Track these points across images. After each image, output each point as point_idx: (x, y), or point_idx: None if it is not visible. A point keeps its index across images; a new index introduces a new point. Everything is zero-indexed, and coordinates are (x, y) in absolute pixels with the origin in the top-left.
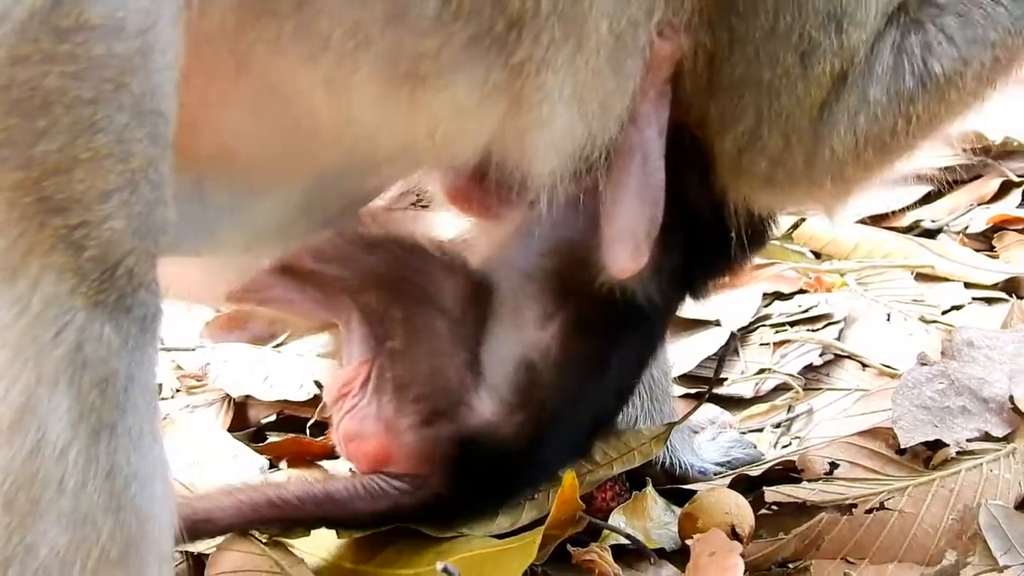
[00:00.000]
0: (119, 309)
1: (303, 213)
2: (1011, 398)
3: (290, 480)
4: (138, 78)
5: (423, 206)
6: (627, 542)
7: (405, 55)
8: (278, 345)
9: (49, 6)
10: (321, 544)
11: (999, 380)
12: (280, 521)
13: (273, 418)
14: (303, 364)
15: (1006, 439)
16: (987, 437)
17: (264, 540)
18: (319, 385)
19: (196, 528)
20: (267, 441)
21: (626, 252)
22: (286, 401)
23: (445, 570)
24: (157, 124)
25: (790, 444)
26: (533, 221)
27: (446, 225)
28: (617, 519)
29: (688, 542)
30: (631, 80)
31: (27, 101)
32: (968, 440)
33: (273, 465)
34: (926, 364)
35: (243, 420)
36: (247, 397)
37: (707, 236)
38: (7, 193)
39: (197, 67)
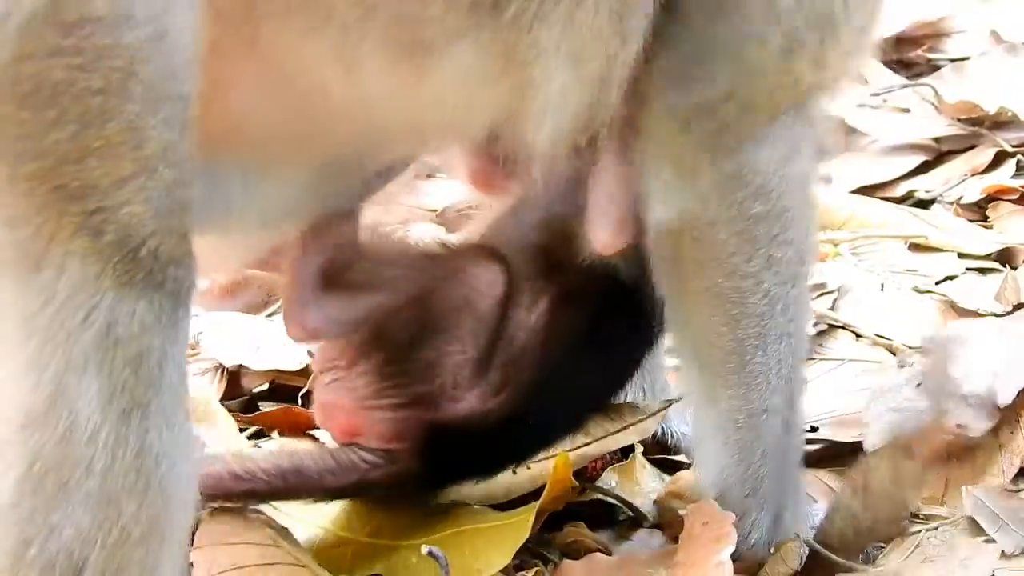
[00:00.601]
0: (150, 285)
1: (317, 192)
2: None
3: (260, 453)
4: (150, 65)
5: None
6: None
7: (410, 22)
8: (271, 314)
9: (52, 2)
10: (313, 512)
11: (980, 375)
12: (246, 494)
13: (265, 387)
14: None
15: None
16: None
17: (254, 509)
18: (311, 355)
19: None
20: (258, 412)
21: (609, 226)
22: (278, 370)
23: (431, 553)
24: (173, 108)
25: None
26: (530, 194)
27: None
28: (608, 482)
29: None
30: (635, 46)
31: (36, 94)
32: None
33: (265, 435)
34: (904, 366)
35: (236, 389)
36: (239, 366)
37: None
38: (25, 184)
39: (210, 46)
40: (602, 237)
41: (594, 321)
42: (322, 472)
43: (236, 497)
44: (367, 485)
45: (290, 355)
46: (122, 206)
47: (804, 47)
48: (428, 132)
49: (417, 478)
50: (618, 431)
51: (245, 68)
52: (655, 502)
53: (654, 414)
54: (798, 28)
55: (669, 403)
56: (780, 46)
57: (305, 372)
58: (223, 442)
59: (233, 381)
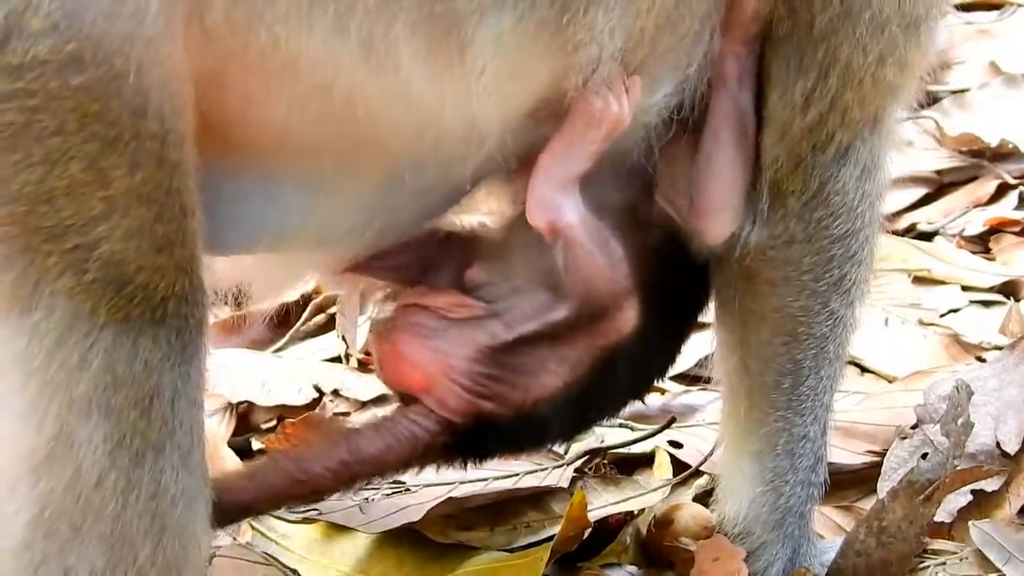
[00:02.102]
0: (150, 323)
1: (378, 210)
2: (998, 444)
3: (308, 449)
4: (109, 105)
5: None
6: None
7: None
8: (278, 350)
9: None
10: (319, 550)
11: (984, 426)
12: (312, 494)
13: (273, 423)
14: (302, 368)
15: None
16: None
17: (261, 551)
18: (318, 390)
19: (224, 514)
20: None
21: (724, 219)
22: (285, 406)
23: None
24: (142, 146)
25: None
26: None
27: None
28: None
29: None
30: (704, 33)
31: None
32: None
33: None
34: (906, 437)
35: (245, 426)
36: (246, 403)
37: None
38: (4, 228)
39: (226, 62)
40: (717, 228)
41: (653, 306)
42: (382, 450)
43: (302, 500)
44: (430, 455)
45: (296, 390)
46: (98, 244)
47: (896, 51)
48: (477, 120)
49: (465, 448)
50: (627, 499)
51: (272, 78)
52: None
53: (655, 490)
54: (895, 33)
55: (668, 483)
56: (880, 52)
57: (311, 406)
58: None
59: (241, 418)
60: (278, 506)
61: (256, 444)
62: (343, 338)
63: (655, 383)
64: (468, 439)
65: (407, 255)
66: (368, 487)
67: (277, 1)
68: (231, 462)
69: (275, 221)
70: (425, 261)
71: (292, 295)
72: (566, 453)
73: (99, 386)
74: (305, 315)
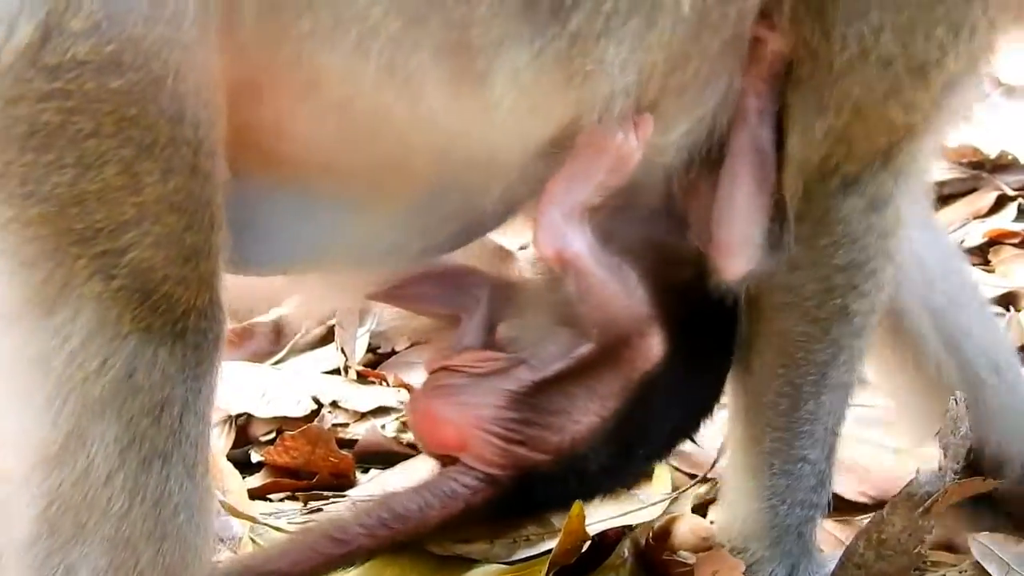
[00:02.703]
0: (171, 334)
1: (412, 235)
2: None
3: (347, 511)
4: (147, 110)
5: None
6: None
7: (457, 26)
8: (277, 362)
9: (37, 45)
10: None
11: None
12: (351, 555)
13: (272, 435)
14: (301, 380)
15: None
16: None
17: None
18: (317, 401)
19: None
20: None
21: (743, 255)
22: (284, 418)
23: None
24: (176, 153)
25: None
26: (615, 221)
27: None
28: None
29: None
30: (724, 69)
31: (32, 137)
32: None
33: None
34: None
35: (244, 437)
36: (245, 415)
37: None
38: (35, 228)
39: (255, 80)
40: (736, 265)
41: (690, 353)
42: (424, 508)
43: (342, 562)
44: (471, 511)
45: (295, 402)
46: (127, 250)
47: (901, 92)
48: (497, 149)
49: (514, 504)
50: (626, 513)
51: (297, 92)
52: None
53: (654, 504)
54: (900, 74)
55: (668, 497)
56: (884, 90)
57: (310, 418)
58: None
59: (240, 430)
60: (326, 569)
61: (255, 456)
62: (342, 350)
63: (705, 418)
64: (514, 493)
65: (434, 287)
66: None
67: (302, 18)
68: (230, 474)
69: (310, 239)
70: (454, 296)
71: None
72: None
73: (116, 391)
74: (304, 328)
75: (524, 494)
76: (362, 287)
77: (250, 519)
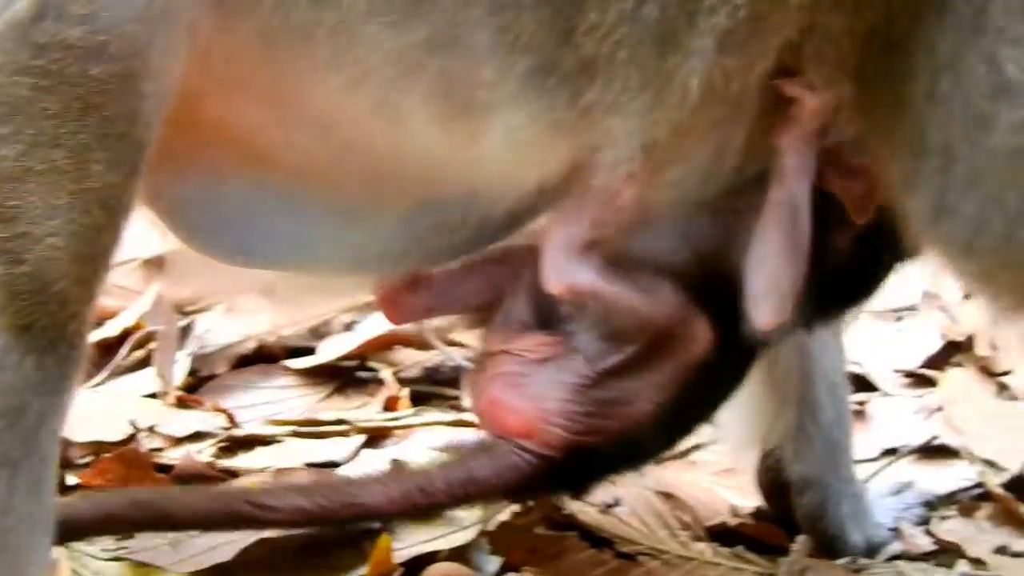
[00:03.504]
0: (44, 340)
1: (410, 243)
2: None
3: (433, 465)
4: (113, 102)
5: None
6: None
7: (458, 83)
8: (96, 385)
9: (29, 21)
10: None
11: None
12: (430, 507)
13: (89, 459)
14: (120, 404)
15: None
16: None
17: None
18: (134, 426)
19: (354, 514)
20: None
21: (771, 307)
22: (101, 442)
23: None
24: (125, 150)
25: None
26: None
27: None
28: None
29: None
30: (728, 135)
31: None
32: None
33: None
34: None
35: (62, 460)
36: (62, 438)
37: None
38: None
39: (237, 88)
40: (764, 316)
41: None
42: (491, 476)
43: (422, 511)
44: (529, 483)
45: (114, 426)
46: (47, 236)
47: None
48: (485, 194)
49: (567, 479)
50: (436, 538)
51: (278, 112)
52: None
53: (466, 528)
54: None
55: (481, 520)
56: None
57: (127, 441)
58: None
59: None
60: (405, 515)
61: (72, 479)
62: (160, 375)
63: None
64: (570, 472)
65: (472, 283)
66: None
67: (296, 49)
68: None
69: (301, 238)
70: (494, 288)
71: (111, 330)
72: None
73: None
74: (124, 351)
75: (579, 473)
76: (353, 291)
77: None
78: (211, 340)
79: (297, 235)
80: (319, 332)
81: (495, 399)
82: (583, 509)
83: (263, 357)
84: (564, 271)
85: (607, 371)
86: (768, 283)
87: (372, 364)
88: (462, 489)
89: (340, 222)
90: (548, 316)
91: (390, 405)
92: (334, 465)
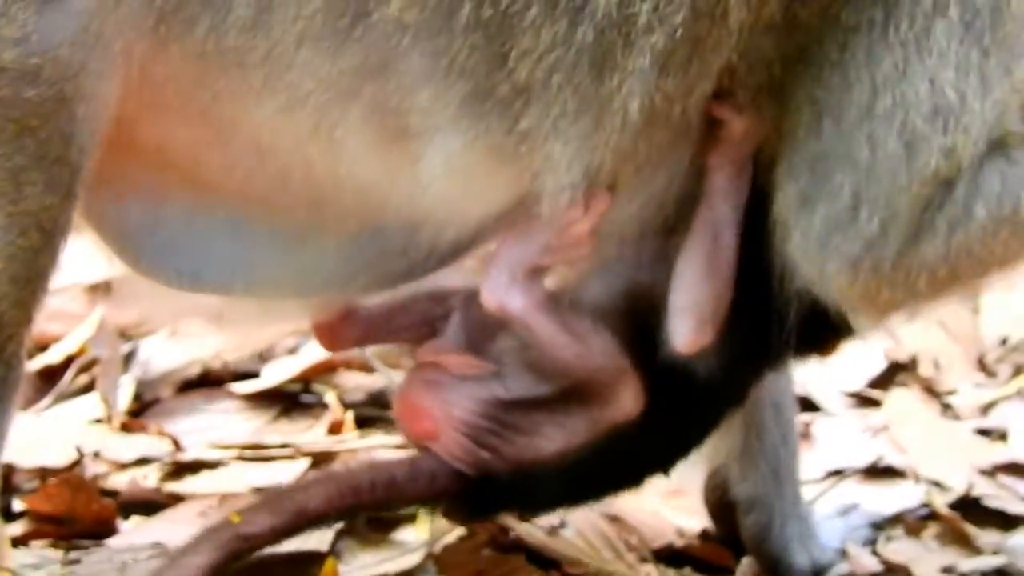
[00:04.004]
0: None
1: (355, 267)
2: None
3: (358, 468)
4: (48, 124)
5: None
6: None
7: (393, 109)
8: (41, 410)
9: None
10: None
11: None
12: (354, 508)
13: (36, 484)
14: (65, 429)
15: None
16: None
17: None
18: (79, 451)
19: (296, 521)
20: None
21: (690, 327)
22: (45, 468)
23: None
24: (60, 172)
25: None
26: (617, 262)
27: None
28: None
29: None
30: (673, 160)
31: None
32: None
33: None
34: None
35: (7, 486)
36: (7, 464)
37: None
38: None
39: (161, 108)
40: (683, 335)
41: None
42: (407, 482)
43: (346, 512)
44: (440, 496)
45: (60, 451)
46: None
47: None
48: (427, 218)
49: (469, 500)
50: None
51: (214, 135)
52: None
53: (413, 552)
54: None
55: (427, 543)
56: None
57: (73, 466)
58: None
59: (3, 479)
60: (342, 514)
61: (17, 505)
62: (105, 400)
63: (656, 473)
64: (473, 491)
65: (406, 315)
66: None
67: (229, 72)
68: None
69: (245, 262)
70: (427, 320)
71: (56, 355)
72: None
73: None
74: (69, 376)
75: (480, 494)
76: (301, 315)
77: (8, 571)
78: (155, 365)
79: (241, 259)
80: (263, 356)
81: (410, 401)
82: (529, 531)
83: (208, 381)
84: (502, 291)
85: (520, 400)
86: (687, 301)
87: (316, 388)
88: (384, 492)
89: (284, 246)
90: (479, 344)
91: (335, 428)
92: None
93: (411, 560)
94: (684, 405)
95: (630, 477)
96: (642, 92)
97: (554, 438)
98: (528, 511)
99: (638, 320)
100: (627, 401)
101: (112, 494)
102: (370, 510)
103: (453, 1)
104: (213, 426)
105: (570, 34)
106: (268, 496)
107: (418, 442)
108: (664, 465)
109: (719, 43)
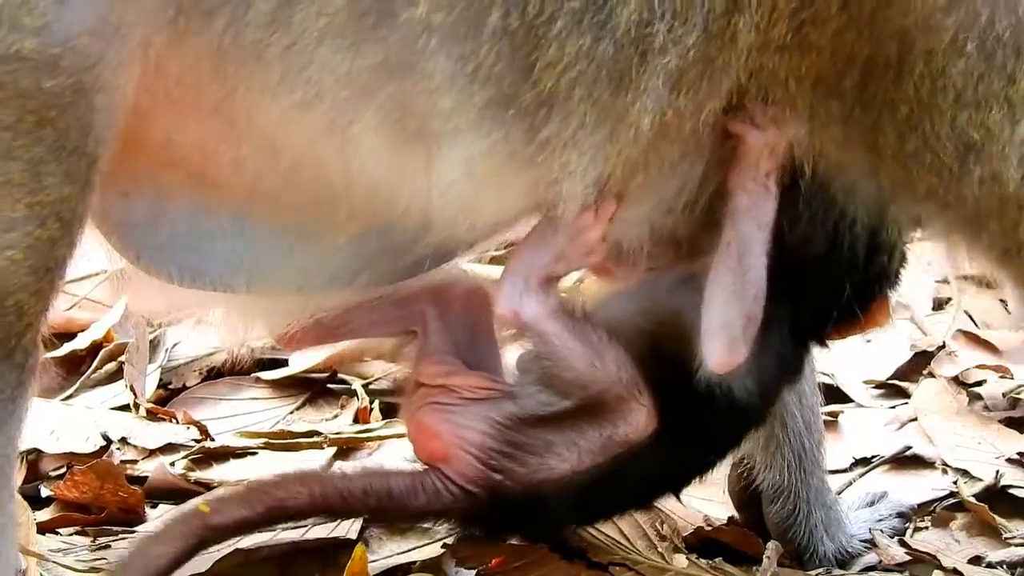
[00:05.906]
0: (1, 350)
1: (359, 265)
2: None
3: (355, 474)
4: (66, 115)
5: None
6: None
7: (412, 110)
8: (67, 398)
9: None
10: None
11: None
12: (347, 513)
13: (62, 471)
14: (91, 417)
15: None
16: None
17: None
18: (106, 438)
19: (271, 515)
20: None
21: (722, 347)
22: (73, 454)
23: None
24: (78, 163)
25: None
26: (642, 284)
27: None
28: None
29: None
30: (682, 170)
31: None
32: None
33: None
34: None
35: (35, 473)
36: (35, 451)
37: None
38: None
39: (179, 107)
40: (715, 356)
41: (680, 416)
42: (408, 496)
43: (339, 515)
44: (447, 514)
45: (84, 438)
46: (5, 248)
47: None
48: (437, 220)
49: (487, 521)
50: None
51: (225, 131)
52: None
53: (436, 541)
54: None
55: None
56: None
57: (99, 454)
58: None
59: (31, 466)
60: (320, 514)
61: (45, 491)
62: (131, 387)
63: (668, 493)
64: (484, 510)
65: (376, 315)
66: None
67: (247, 67)
68: (19, 508)
69: (251, 259)
70: (399, 317)
71: (82, 343)
72: None
73: None
74: (95, 363)
75: (491, 513)
76: (304, 312)
77: (37, 555)
78: (181, 352)
79: (245, 256)
80: None
81: (422, 424)
82: None
83: (234, 369)
84: (516, 299)
85: (532, 418)
86: (718, 323)
87: (343, 376)
88: (378, 502)
89: (289, 244)
90: (466, 352)
91: (361, 416)
92: None
93: (437, 548)
94: (706, 425)
95: (643, 496)
96: (654, 108)
97: (567, 457)
98: (540, 531)
99: (655, 338)
100: (640, 419)
101: (139, 481)
102: (362, 516)
103: (481, 8)
104: (239, 414)
105: (593, 48)
106: (240, 488)
107: (430, 463)
108: (679, 485)
109: (729, 63)
